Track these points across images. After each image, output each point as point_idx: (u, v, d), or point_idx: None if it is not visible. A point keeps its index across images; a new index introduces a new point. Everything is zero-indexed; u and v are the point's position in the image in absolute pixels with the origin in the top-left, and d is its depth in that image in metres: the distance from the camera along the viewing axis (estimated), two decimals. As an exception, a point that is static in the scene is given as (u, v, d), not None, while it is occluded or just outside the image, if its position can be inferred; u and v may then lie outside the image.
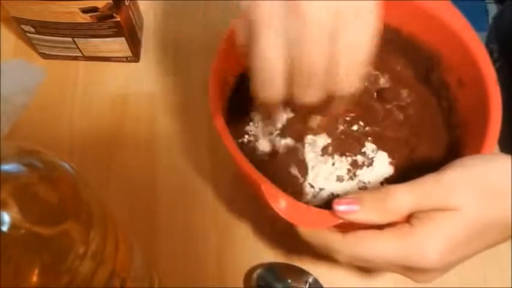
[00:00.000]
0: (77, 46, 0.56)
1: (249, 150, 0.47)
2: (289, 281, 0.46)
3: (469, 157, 0.35)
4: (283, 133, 0.47)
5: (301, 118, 0.48)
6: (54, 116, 0.56)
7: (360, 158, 0.46)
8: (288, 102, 0.32)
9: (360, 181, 0.45)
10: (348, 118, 0.48)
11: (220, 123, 0.39)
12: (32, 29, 0.54)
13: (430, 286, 0.35)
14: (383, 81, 0.49)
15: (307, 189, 0.45)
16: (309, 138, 0.47)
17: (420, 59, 0.47)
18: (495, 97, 0.40)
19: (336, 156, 0.47)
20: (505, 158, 0.34)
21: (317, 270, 0.47)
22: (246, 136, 0.47)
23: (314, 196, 0.45)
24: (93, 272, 0.30)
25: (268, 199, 0.36)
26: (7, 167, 0.29)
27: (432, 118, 0.47)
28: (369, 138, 0.47)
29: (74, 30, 0.53)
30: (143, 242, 0.42)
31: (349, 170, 0.46)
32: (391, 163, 0.46)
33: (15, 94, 0.55)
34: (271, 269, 0.47)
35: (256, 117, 0.48)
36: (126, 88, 0.57)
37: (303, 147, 0.47)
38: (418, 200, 0.33)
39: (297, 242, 0.37)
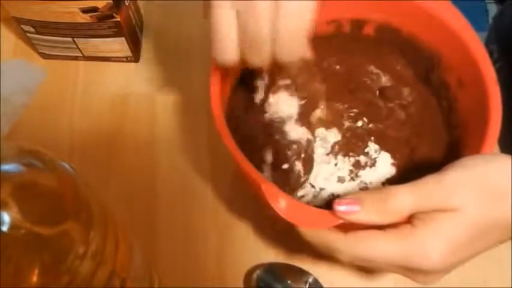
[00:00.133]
0: (77, 46, 0.56)
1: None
2: (289, 281, 0.46)
3: (470, 157, 0.35)
4: (298, 121, 0.47)
5: (310, 106, 0.48)
6: (54, 116, 0.56)
7: (362, 159, 0.46)
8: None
9: (361, 182, 0.46)
10: (352, 114, 0.48)
11: (220, 123, 0.39)
12: (32, 29, 0.54)
13: (430, 286, 0.35)
14: (385, 80, 0.49)
15: (308, 188, 0.45)
16: (320, 132, 0.47)
17: (420, 59, 0.47)
18: (495, 97, 0.40)
19: (340, 157, 0.47)
20: (505, 158, 0.34)
21: (317, 270, 0.47)
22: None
23: (314, 196, 0.45)
24: (93, 272, 0.30)
25: (268, 199, 0.36)
26: (7, 167, 0.29)
27: (432, 118, 0.47)
28: (372, 138, 0.47)
29: (74, 30, 0.53)
30: (143, 242, 0.42)
31: (351, 171, 0.46)
32: (393, 164, 0.46)
33: (15, 94, 0.55)
34: (271, 269, 0.47)
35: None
36: (126, 88, 0.57)
37: (315, 141, 0.47)
38: (419, 201, 0.33)
39: (297, 242, 0.37)
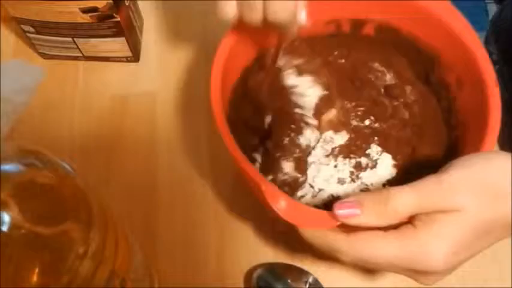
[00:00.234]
0: (77, 46, 0.56)
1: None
2: (289, 281, 0.46)
3: (469, 156, 0.35)
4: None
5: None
6: (54, 116, 0.56)
7: (364, 160, 0.46)
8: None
9: (362, 183, 0.45)
10: (359, 112, 0.48)
11: (220, 123, 0.39)
12: (32, 29, 0.54)
13: (429, 286, 0.35)
14: (389, 78, 0.49)
15: (307, 188, 0.45)
16: (328, 134, 0.47)
17: (420, 59, 0.47)
18: (495, 97, 0.40)
19: (340, 159, 0.47)
20: (505, 156, 0.34)
21: (317, 270, 0.47)
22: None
23: (313, 196, 0.45)
24: (93, 272, 0.30)
25: (268, 199, 0.36)
26: (7, 167, 0.29)
27: (433, 118, 0.47)
28: (376, 138, 0.47)
29: (74, 30, 0.53)
30: (143, 242, 0.42)
31: (351, 173, 0.46)
32: (394, 165, 0.46)
33: (15, 94, 0.55)
34: (271, 269, 0.47)
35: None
36: (126, 88, 0.57)
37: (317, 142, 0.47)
38: (420, 202, 0.33)
39: (297, 242, 0.37)
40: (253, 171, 0.37)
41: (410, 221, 0.33)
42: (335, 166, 0.46)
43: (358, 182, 0.45)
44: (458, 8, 0.43)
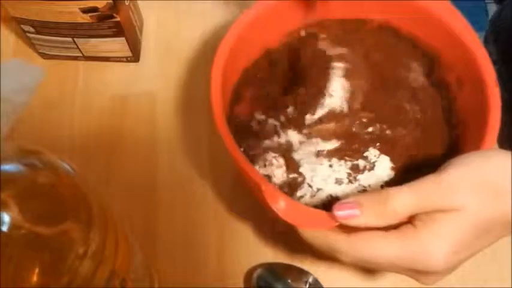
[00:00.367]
0: (77, 46, 0.56)
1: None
2: (289, 281, 0.46)
3: (467, 154, 0.35)
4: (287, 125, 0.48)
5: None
6: (54, 116, 0.56)
7: (361, 163, 0.46)
8: None
9: (360, 185, 0.45)
10: (365, 120, 0.48)
11: (220, 123, 0.39)
12: (32, 29, 0.54)
13: (430, 286, 0.35)
14: (412, 79, 0.49)
15: (306, 188, 0.45)
16: (314, 140, 0.47)
17: (420, 59, 0.47)
18: (495, 97, 0.40)
19: (334, 160, 0.47)
20: (503, 154, 0.34)
21: (317, 270, 0.47)
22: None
23: (312, 196, 0.45)
24: (93, 272, 0.30)
25: (268, 200, 0.36)
26: (7, 167, 0.29)
27: (433, 118, 0.47)
28: (377, 144, 0.47)
29: (74, 30, 0.53)
30: (143, 242, 0.42)
31: (349, 174, 0.46)
32: (392, 168, 0.46)
33: (15, 94, 0.55)
34: (271, 269, 0.47)
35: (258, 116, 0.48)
36: (126, 88, 0.57)
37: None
38: (419, 202, 0.33)
39: (297, 242, 0.37)
40: (253, 171, 0.37)
41: (410, 220, 0.33)
42: (330, 166, 0.46)
43: (356, 184, 0.45)
44: (458, 8, 0.43)
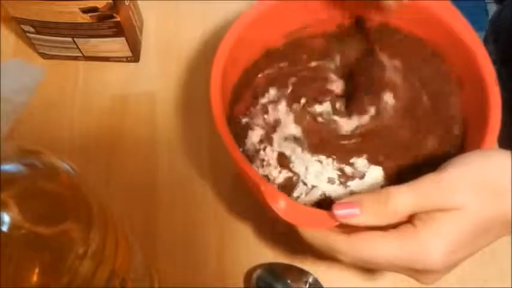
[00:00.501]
0: (77, 46, 0.56)
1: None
2: (289, 281, 0.46)
3: (467, 154, 0.35)
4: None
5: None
6: (54, 116, 0.56)
7: (348, 169, 0.46)
8: None
9: (351, 191, 0.45)
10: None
11: (220, 123, 0.39)
12: (32, 29, 0.54)
13: (430, 286, 0.35)
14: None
15: (301, 187, 0.45)
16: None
17: (420, 59, 0.47)
18: (495, 97, 0.40)
19: (322, 156, 0.46)
20: (503, 154, 0.34)
21: (317, 270, 0.47)
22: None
23: (306, 193, 0.45)
24: (93, 272, 0.30)
25: (268, 200, 0.36)
26: (7, 167, 0.29)
27: (433, 117, 0.47)
28: (364, 156, 0.46)
29: (74, 30, 0.53)
30: (143, 242, 0.42)
31: (339, 176, 0.45)
32: (385, 177, 0.45)
33: (15, 94, 0.55)
34: (271, 269, 0.47)
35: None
36: (126, 88, 0.57)
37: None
38: (419, 201, 0.33)
39: (297, 243, 0.37)
40: (252, 171, 0.37)
41: (410, 220, 0.33)
42: (319, 161, 0.46)
43: (348, 190, 0.45)
44: (458, 8, 0.43)
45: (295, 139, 0.47)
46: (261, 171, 0.45)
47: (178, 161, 0.53)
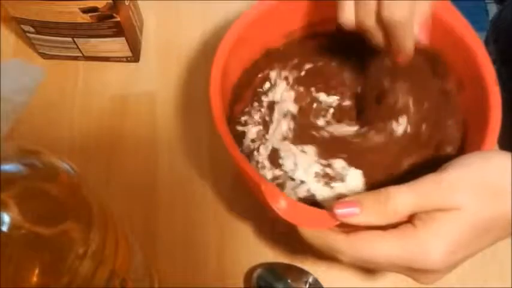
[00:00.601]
0: (77, 46, 0.56)
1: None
2: (289, 281, 0.46)
3: (468, 155, 0.35)
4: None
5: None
6: (54, 116, 0.56)
7: (328, 170, 0.45)
8: None
9: (338, 194, 0.45)
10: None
11: (220, 123, 0.39)
12: (32, 29, 0.54)
13: (430, 286, 0.35)
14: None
15: (288, 182, 0.45)
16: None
17: (420, 59, 0.47)
18: (495, 97, 0.40)
19: (306, 147, 0.46)
20: (504, 155, 0.34)
21: (317, 270, 0.47)
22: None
23: (293, 188, 0.44)
24: (93, 272, 0.30)
25: (268, 199, 0.36)
26: (7, 167, 0.29)
27: (432, 117, 0.47)
28: (345, 156, 0.46)
29: (74, 30, 0.53)
30: (143, 242, 0.42)
31: (323, 175, 0.45)
32: (366, 183, 0.45)
33: (15, 94, 0.55)
34: (271, 269, 0.47)
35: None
36: (126, 88, 0.57)
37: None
38: (419, 201, 0.33)
39: (297, 242, 0.37)
40: (253, 171, 0.37)
41: (410, 220, 0.33)
42: (304, 152, 0.45)
43: (333, 192, 0.44)
44: (458, 8, 0.43)
45: (292, 116, 0.47)
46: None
47: (178, 161, 0.53)
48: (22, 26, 0.54)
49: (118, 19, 0.52)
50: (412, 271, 0.34)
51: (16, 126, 0.54)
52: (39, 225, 0.28)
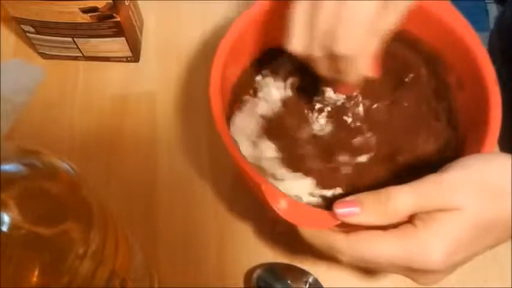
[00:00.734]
0: (77, 46, 0.56)
1: None
2: (289, 281, 0.46)
3: (469, 157, 0.35)
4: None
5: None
6: (54, 116, 0.56)
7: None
8: None
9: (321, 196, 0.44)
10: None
11: (220, 123, 0.39)
12: (32, 29, 0.54)
13: (430, 287, 0.35)
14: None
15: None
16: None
17: (420, 59, 0.47)
18: (495, 97, 0.40)
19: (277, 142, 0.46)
20: (504, 157, 0.34)
21: (317, 270, 0.47)
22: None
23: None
24: (93, 272, 0.30)
25: (268, 199, 0.36)
26: (7, 167, 0.29)
27: (432, 117, 0.47)
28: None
29: (74, 30, 0.53)
30: (143, 242, 0.42)
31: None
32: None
33: (15, 94, 0.55)
34: (271, 269, 0.47)
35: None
36: (126, 88, 0.57)
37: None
38: (419, 201, 0.33)
39: (297, 242, 0.37)
40: (253, 171, 0.37)
41: (411, 220, 0.33)
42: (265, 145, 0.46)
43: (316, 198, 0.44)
44: (458, 8, 0.43)
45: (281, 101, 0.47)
46: None
47: (178, 160, 0.53)
48: (22, 26, 0.54)
49: (118, 19, 0.52)
50: (412, 271, 0.34)
51: (16, 126, 0.54)
52: (39, 225, 0.28)
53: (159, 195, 0.52)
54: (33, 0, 0.50)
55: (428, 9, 0.43)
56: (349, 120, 0.48)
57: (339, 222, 0.34)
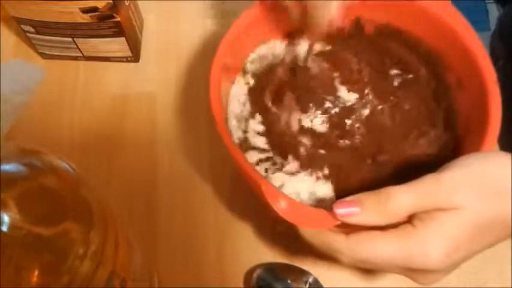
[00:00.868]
0: (77, 46, 0.56)
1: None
2: (289, 281, 0.46)
3: (468, 156, 0.35)
4: None
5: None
6: (54, 116, 0.56)
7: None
8: None
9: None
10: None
11: (220, 123, 0.39)
12: (32, 29, 0.54)
13: (430, 287, 0.35)
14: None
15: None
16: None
17: (420, 59, 0.47)
18: (495, 97, 0.40)
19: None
20: (504, 155, 0.34)
21: (317, 270, 0.47)
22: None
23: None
24: (93, 272, 0.30)
25: (268, 199, 0.36)
26: (7, 167, 0.29)
27: (432, 117, 0.47)
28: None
29: (74, 30, 0.53)
30: (143, 242, 0.42)
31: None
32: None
33: (15, 94, 0.55)
34: (271, 269, 0.47)
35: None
36: (126, 88, 0.57)
37: None
38: (419, 201, 0.33)
39: (297, 242, 0.37)
40: (253, 171, 0.37)
41: (410, 220, 0.33)
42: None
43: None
44: (458, 8, 0.43)
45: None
46: None
47: (178, 160, 0.53)
48: (22, 26, 0.54)
49: (118, 19, 0.52)
50: (411, 271, 0.34)
51: (16, 126, 0.54)
52: (39, 225, 0.28)
53: (159, 195, 0.52)
54: (33, 0, 0.50)
55: (428, 9, 0.44)
56: (349, 122, 0.48)
57: (338, 222, 0.34)
